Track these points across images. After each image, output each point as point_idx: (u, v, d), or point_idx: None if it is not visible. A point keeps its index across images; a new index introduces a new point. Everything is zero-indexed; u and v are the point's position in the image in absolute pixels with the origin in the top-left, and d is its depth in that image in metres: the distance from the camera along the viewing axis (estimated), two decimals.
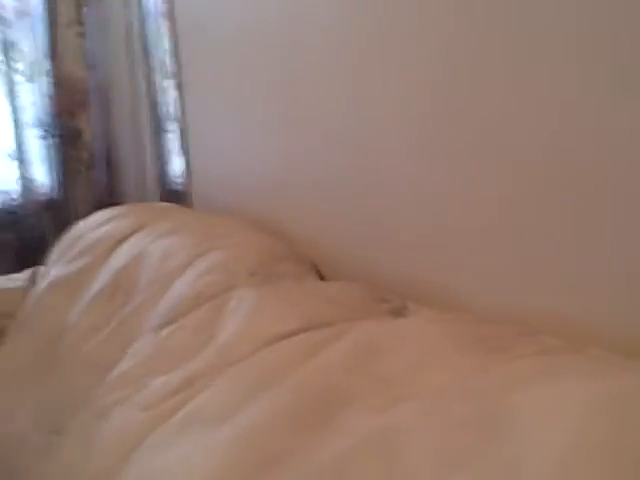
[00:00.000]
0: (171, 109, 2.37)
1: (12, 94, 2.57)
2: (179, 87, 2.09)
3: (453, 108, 1.06)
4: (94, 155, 2.81)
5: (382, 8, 1.18)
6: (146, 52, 2.51)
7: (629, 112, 0.80)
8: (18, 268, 1.97)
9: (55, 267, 1.73)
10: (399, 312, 1.11)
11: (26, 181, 2.63)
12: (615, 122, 0.82)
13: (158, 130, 2.53)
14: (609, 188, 0.84)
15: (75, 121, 2.78)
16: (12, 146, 2.59)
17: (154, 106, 2.51)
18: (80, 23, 2.79)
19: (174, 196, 2.43)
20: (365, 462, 0.69)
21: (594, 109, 0.84)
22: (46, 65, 2.66)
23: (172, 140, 2.45)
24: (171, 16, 2.10)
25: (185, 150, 2.14)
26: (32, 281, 1.80)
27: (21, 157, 2.61)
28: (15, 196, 2.62)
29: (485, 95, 0.99)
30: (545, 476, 0.54)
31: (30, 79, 2.65)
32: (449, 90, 1.06)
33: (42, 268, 1.83)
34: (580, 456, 0.56)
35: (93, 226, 1.77)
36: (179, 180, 2.38)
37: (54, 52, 2.69)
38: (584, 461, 0.55)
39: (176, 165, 2.43)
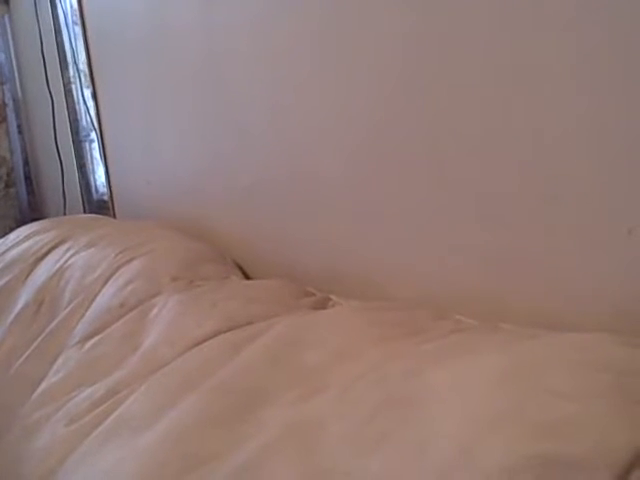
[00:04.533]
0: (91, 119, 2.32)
1: None
2: (94, 96, 2.05)
3: (380, 106, 1.06)
4: (13, 171, 2.73)
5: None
6: (63, 62, 2.44)
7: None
8: None
9: None
10: (322, 305, 1.12)
11: None
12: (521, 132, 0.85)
13: (79, 141, 2.47)
14: (519, 185, 0.87)
15: None
16: None
17: (74, 117, 2.45)
18: None
19: (101, 206, 2.39)
20: (284, 454, 0.69)
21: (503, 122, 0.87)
22: None
23: (96, 150, 2.40)
24: (82, 25, 2.06)
25: (104, 159, 2.10)
26: None
27: None
28: None
29: (413, 105, 1.00)
30: (448, 451, 0.56)
31: None
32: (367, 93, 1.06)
33: None
34: (482, 428, 0.57)
35: (13, 243, 1.73)
36: (104, 190, 2.34)
37: None
38: (485, 432, 0.57)
39: (100, 175, 2.39)
